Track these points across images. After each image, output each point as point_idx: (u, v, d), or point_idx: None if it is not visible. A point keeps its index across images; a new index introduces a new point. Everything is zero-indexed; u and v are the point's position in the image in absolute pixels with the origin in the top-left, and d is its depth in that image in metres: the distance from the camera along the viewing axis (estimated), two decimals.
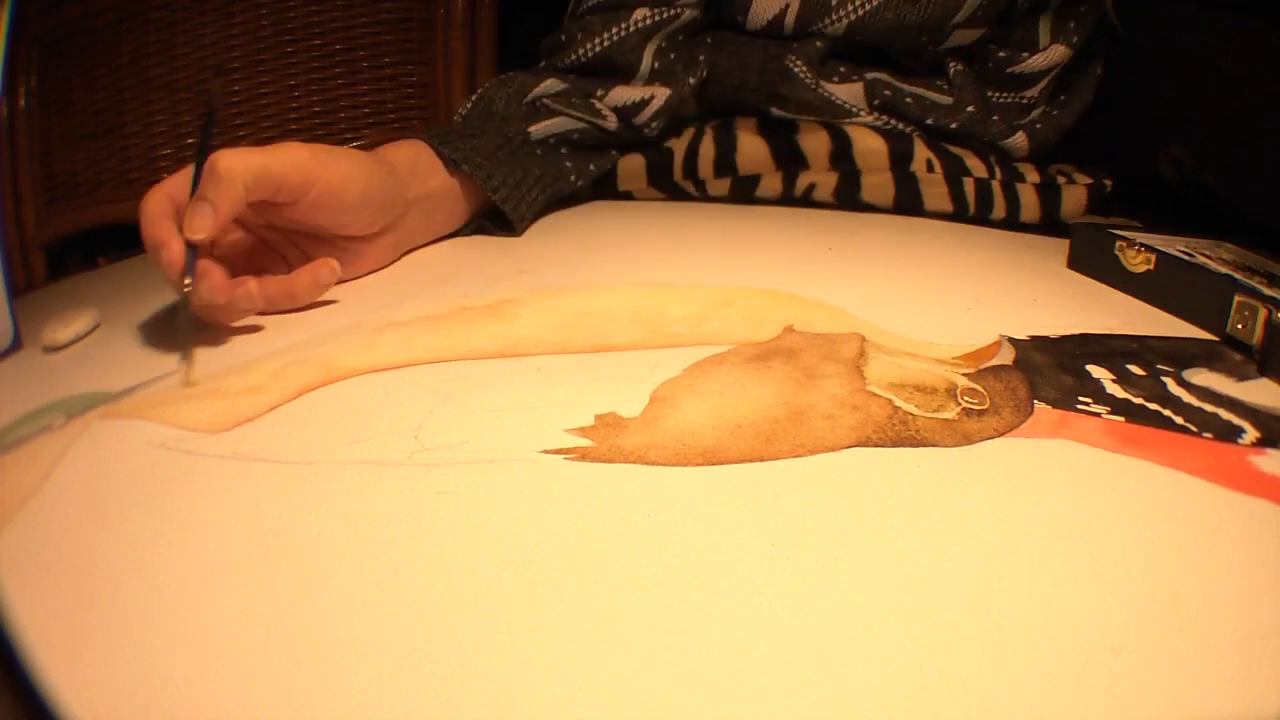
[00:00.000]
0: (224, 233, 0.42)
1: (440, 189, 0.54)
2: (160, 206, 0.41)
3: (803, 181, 0.65)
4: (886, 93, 0.63)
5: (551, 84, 0.61)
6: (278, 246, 0.48)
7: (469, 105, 0.62)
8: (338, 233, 0.48)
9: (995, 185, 0.63)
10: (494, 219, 0.58)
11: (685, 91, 0.63)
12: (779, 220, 0.63)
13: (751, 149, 0.65)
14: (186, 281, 0.39)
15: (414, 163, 0.53)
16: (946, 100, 0.63)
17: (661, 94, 0.62)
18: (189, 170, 0.42)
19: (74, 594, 0.25)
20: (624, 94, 0.62)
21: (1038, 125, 0.65)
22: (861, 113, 0.64)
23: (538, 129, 0.60)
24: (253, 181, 0.41)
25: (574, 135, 0.62)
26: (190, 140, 0.80)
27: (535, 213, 0.59)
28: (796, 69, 0.63)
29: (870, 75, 0.64)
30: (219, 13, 0.79)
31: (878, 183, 0.64)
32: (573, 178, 0.62)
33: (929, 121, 0.63)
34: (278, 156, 0.43)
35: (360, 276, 0.50)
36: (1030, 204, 0.62)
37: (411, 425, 0.33)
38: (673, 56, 0.63)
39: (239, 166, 0.41)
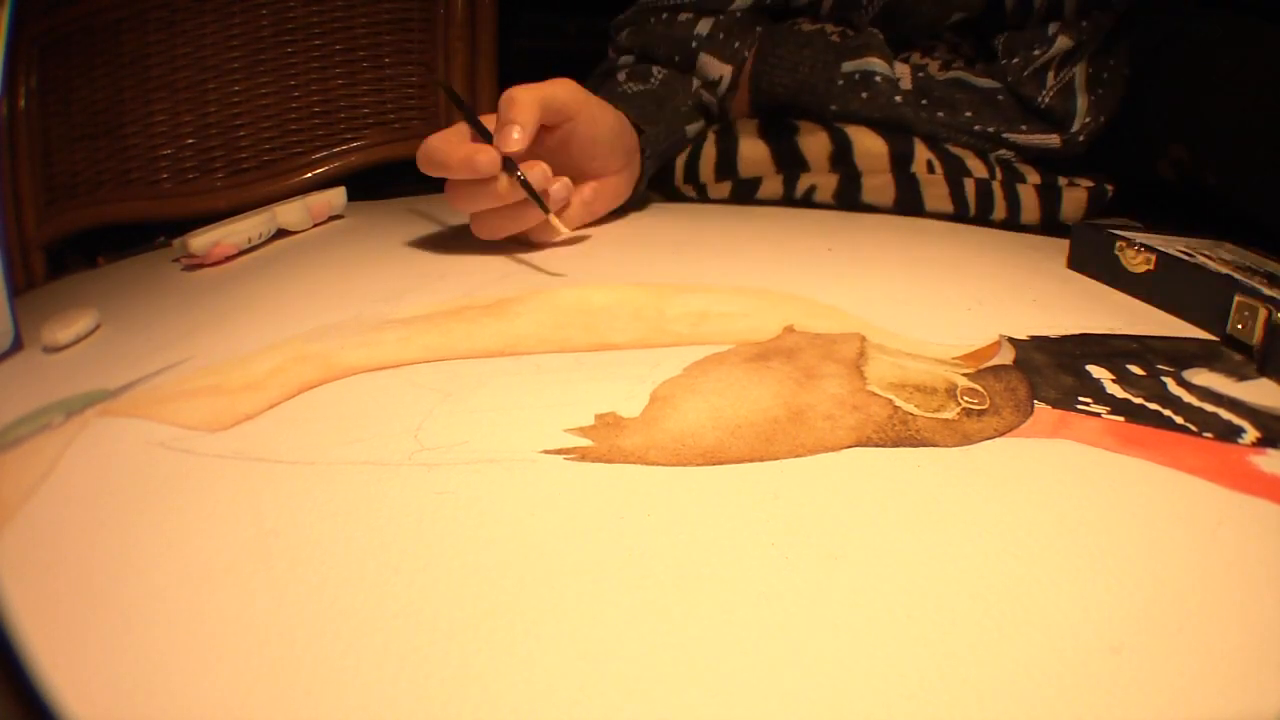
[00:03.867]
0: (530, 139, 0.50)
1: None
2: (446, 140, 0.51)
3: (803, 184, 0.65)
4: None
5: (696, 81, 0.68)
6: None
7: (639, 83, 0.67)
8: (588, 164, 0.56)
9: (996, 186, 0.63)
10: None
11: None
12: (779, 220, 0.63)
13: (752, 152, 0.65)
14: (519, 174, 0.50)
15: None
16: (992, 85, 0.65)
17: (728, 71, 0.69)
18: (449, 130, 0.52)
19: (74, 593, 0.25)
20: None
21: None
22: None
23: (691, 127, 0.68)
24: (544, 104, 0.51)
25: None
26: (191, 140, 0.80)
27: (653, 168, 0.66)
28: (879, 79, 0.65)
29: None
30: (219, 13, 0.79)
31: (878, 184, 0.64)
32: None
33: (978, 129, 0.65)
34: (557, 86, 0.53)
35: (600, 219, 0.59)
36: (1030, 205, 0.62)
37: (411, 425, 0.33)
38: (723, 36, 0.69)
39: (532, 93, 0.51)
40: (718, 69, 0.68)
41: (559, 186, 0.53)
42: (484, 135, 0.51)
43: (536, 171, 0.51)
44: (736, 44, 0.68)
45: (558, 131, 0.54)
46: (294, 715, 0.21)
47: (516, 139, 0.49)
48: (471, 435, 0.32)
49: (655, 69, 0.68)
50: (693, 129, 0.68)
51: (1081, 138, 0.63)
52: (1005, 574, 0.25)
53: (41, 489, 0.30)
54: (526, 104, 0.50)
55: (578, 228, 0.57)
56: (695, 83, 0.68)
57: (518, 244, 0.56)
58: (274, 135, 0.82)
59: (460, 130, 0.53)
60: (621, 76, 0.67)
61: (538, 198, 0.51)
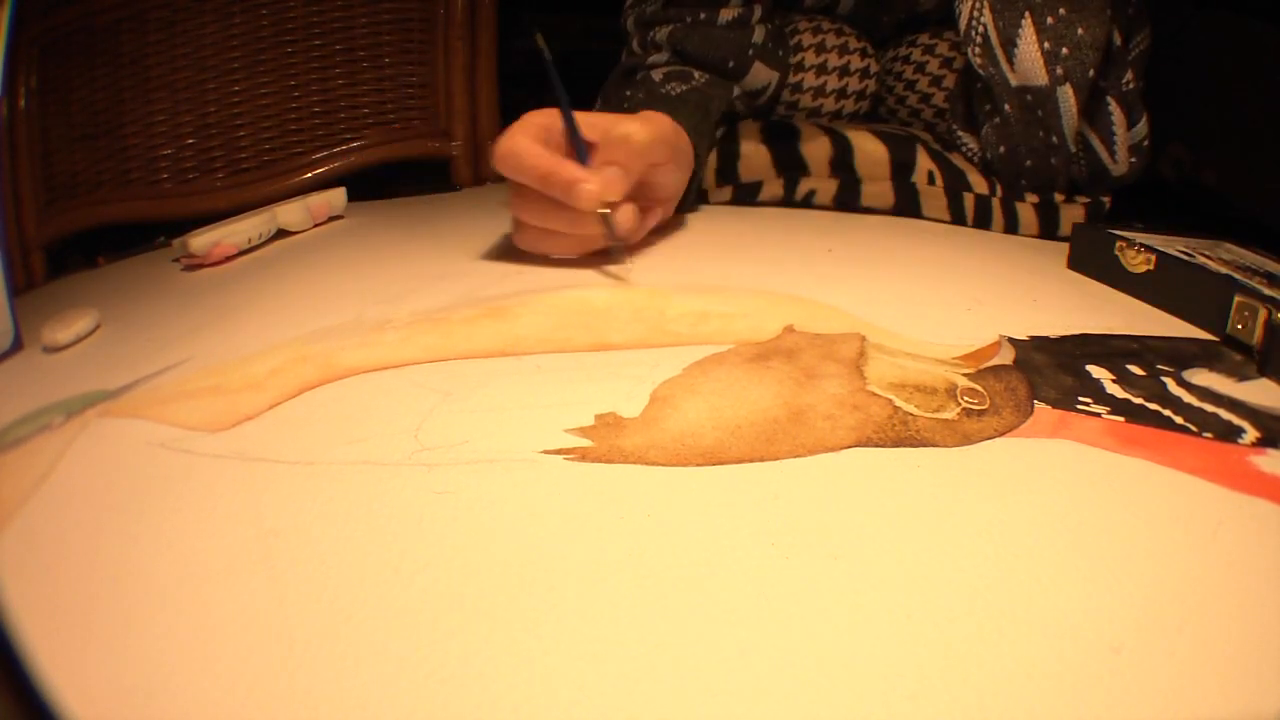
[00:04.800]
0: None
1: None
2: (540, 150, 0.48)
3: (803, 187, 0.65)
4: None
5: (736, 89, 0.68)
6: None
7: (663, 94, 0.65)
8: (658, 195, 0.55)
9: (995, 202, 0.62)
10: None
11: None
12: (779, 221, 0.63)
13: (753, 155, 0.65)
14: (605, 209, 0.48)
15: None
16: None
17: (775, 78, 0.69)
18: (527, 122, 0.49)
19: (74, 594, 0.25)
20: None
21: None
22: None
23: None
24: (650, 149, 0.50)
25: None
26: (191, 140, 0.80)
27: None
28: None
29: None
30: (219, 13, 0.79)
31: (877, 191, 0.64)
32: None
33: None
34: (659, 126, 0.52)
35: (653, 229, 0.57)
36: (1029, 222, 0.62)
37: (411, 425, 0.33)
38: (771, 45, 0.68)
39: (644, 137, 0.50)
40: (766, 76, 0.68)
41: (637, 229, 0.52)
42: (576, 144, 0.49)
43: (624, 214, 0.49)
44: (781, 51, 0.69)
45: (654, 167, 0.52)
46: (294, 715, 0.21)
47: (620, 190, 0.48)
48: (471, 435, 0.32)
49: (696, 73, 0.66)
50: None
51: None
52: (1005, 574, 0.25)
53: (42, 489, 0.30)
54: (639, 152, 0.49)
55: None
56: (735, 90, 0.68)
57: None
58: (274, 135, 0.82)
59: (547, 128, 0.50)
60: (658, 77, 0.65)
61: (618, 244, 0.49)
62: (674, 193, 0.57)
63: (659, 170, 0.53)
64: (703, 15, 0.66)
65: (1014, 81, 0.58)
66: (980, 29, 0.58)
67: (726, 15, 0.66)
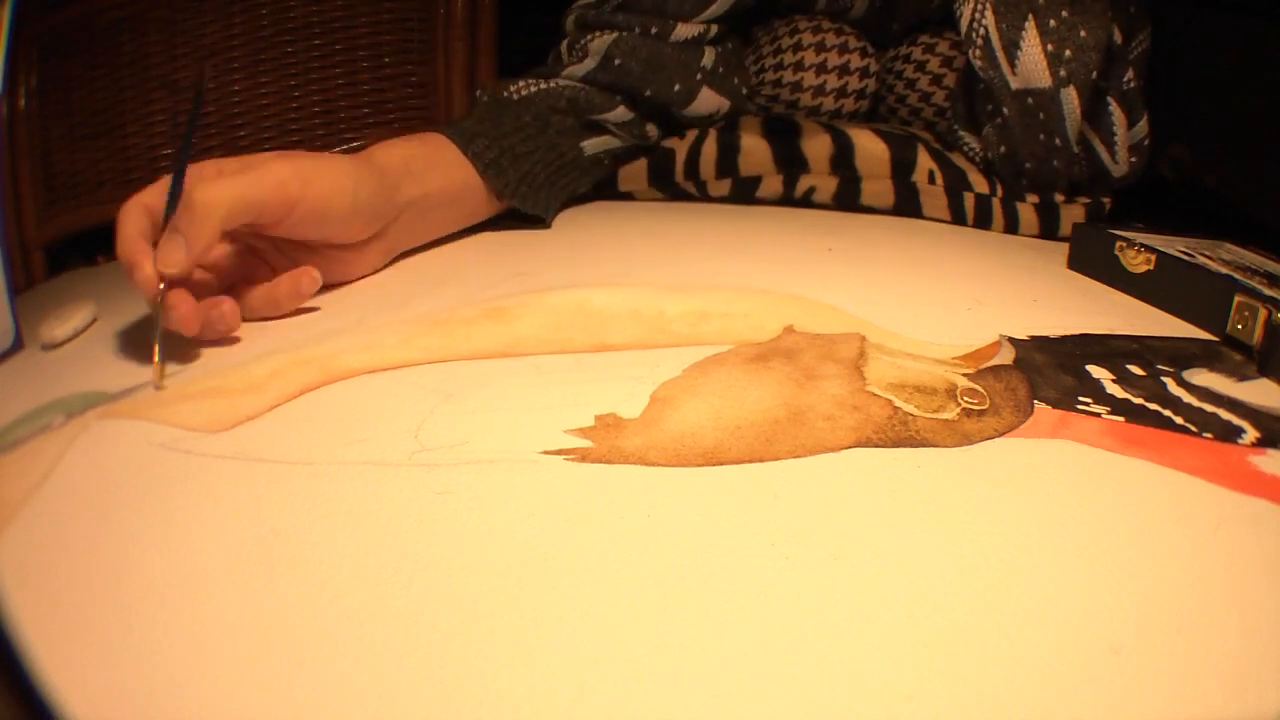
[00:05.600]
0: (202, 257, 0.40)
1: (440, 188, 0.53)
2: (136, 223, 0.40)
3: (803, 184, 0.65)
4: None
5: (621, 112, 0.63)
6: (264, 254, 0.47)
7: (504, 98, 0.61)
8: (325, 242, 0.47)
9: (995, 202, 0.62)
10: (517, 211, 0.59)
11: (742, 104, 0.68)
12: (779, 220, 0.63)
13: (754, 150, 0.65)
14: (160, 301, 0.39)
15: (408, 163, 0.51)
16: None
17: (725, 106, 0.66)
18: (167, 181, 0.41)
19: (74, 594, 0.25)
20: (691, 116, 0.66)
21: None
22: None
23: (590, 145, 0.62)
24: (230, 214, 0.40)
25: (618, 151, 0.65)
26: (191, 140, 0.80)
27: (560, 203, 0.61)
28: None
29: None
30: (219, 13, 0.79)
31: (878, 189, 0.64)
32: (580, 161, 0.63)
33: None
34: (257, 182, 0.41)
35: (351, 282, 0.49)
36: (1029, 222, 0.62)
37: (411, 425, 0.33)
38: (722, 70, 0.66)
39: (215, 199, 0.39)
40: (715, 103, 0.65)
41: (215, 317, 0.41)
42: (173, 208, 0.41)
43: (177, 314, 0.39)
44: (736, 80, 0.67)
45: (265, 227, 0.44)
46: (294, 715, 0.21)
47: (177, 260, 0.38)
48: (472, 436, 0.32)
49: (577, 92, 0.61)
50: (588, 144, 0.62)
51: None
52: (1005, 574, 0.25)
53: (42, 490, 0.30)
54: (206, 215, 0.39)
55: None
56: (619, 112, 0.63)
57: (516, 247, 0.56)
58: (274, 135, 0.82)
59: (160, 195, 0.41)
60: (533, 86, 0.61)
61: (157, 347, 0.38)
62: (348, 235, 0.47)
63: (283, 228, 0.44)
64: (654, 30, 0.61)
65: (1015, 85, 0.58)
66: (981, 31, 0.58)
67: (685, 32, 0.62)
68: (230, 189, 0.40)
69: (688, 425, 0.33)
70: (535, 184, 0.58)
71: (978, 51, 0.59)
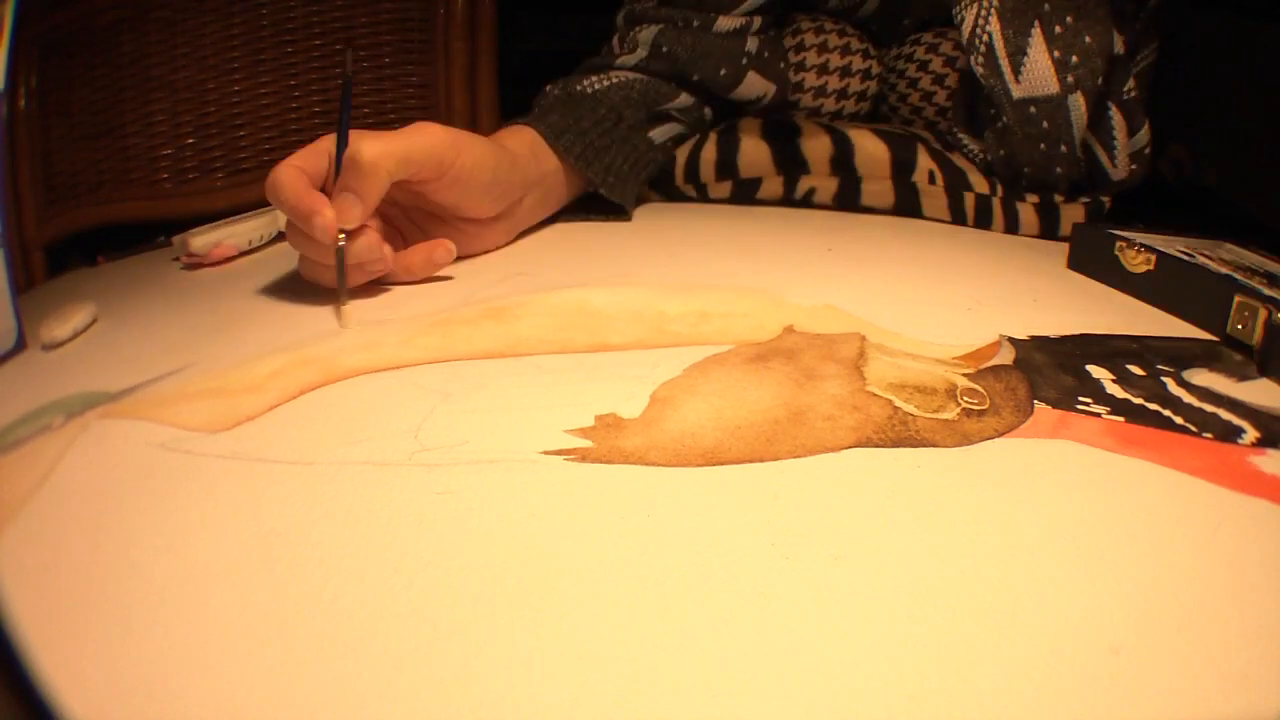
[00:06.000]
0: (373, 210, 0.45)
1: (549, 174, 0.57)
2: (298, 179, 0.44)
3: (803, 186, 0.65)
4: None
5: (684, 99, 0.66)
6: (396, 223, 0.51)
7: (576, 93, 0.63)
8: (460, 214, 0.51)
9: (995, 202, 0.62)
10: (597, 206, 0.61)
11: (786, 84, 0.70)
12: (779, 221, 0.63)
13: (753, 152, 0.65)
14: (341, 239, 0.44)
15: (533, 147, 0.56)
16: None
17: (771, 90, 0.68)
18: (316, 146, 0.46)
19: (74, 594, 0.25)
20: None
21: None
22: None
23: (656, 134, 0.66)
24: (395, 168, 0.45)
25: (679, 136, 0.68)
26: (191, 140, 0.80)
27: (637, 192, 0.63)
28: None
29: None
30: (219, 13, 0.79)
31: (878, 190, 0.64)
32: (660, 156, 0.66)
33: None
34: (417, 141, 0.46)
35: (475, 256, 0.53)
36: (1029, 222, 0.62)
37: (411, 425, 0.33)
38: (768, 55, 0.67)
39: (382, 157, 0.44)
40: (762, 87, 0.67)
41: (380, 261, 0.46)
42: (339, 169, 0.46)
43: (361, 243, 0.45)
44: (781, 64, 0.68)
45: (419, 183, 0.48)
46: (294, 715, 0.21)
47: (355, 215, 0.44)
48: (472, 436, 0.32)
49: (641, 78, 0.65)
50: (661, 132, 0.66)
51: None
52: (1005, 574, 0.25)
53: (42, 490, 0.30)
54: (371, 172, 0.44)
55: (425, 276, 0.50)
56: (682, 99, 0.66)
57: (516, 247, 0.56)
58: (274, 135, 0.82)
59: (317, 154, 0.47)
60: (596, 80, 0.64)
61: (343, 276, 0.44)
62: (480, 211, 0.52)
63: (435, 186, 0.48)
64: (696, 22, 0.64)
65: (1017, 93, 0.58)
66: (984, 38, 0.58)
67: (726, 24, 0.65)
68: (393, 146, 0.45)
69: (688, 425, 0.33)
70: (621, 175, 0.60)
71: (980, 59, 0.59)
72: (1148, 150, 0.60)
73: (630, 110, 0.63)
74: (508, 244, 0.56)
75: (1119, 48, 0.57)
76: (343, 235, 0.44)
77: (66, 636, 0.23)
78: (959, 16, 0.60)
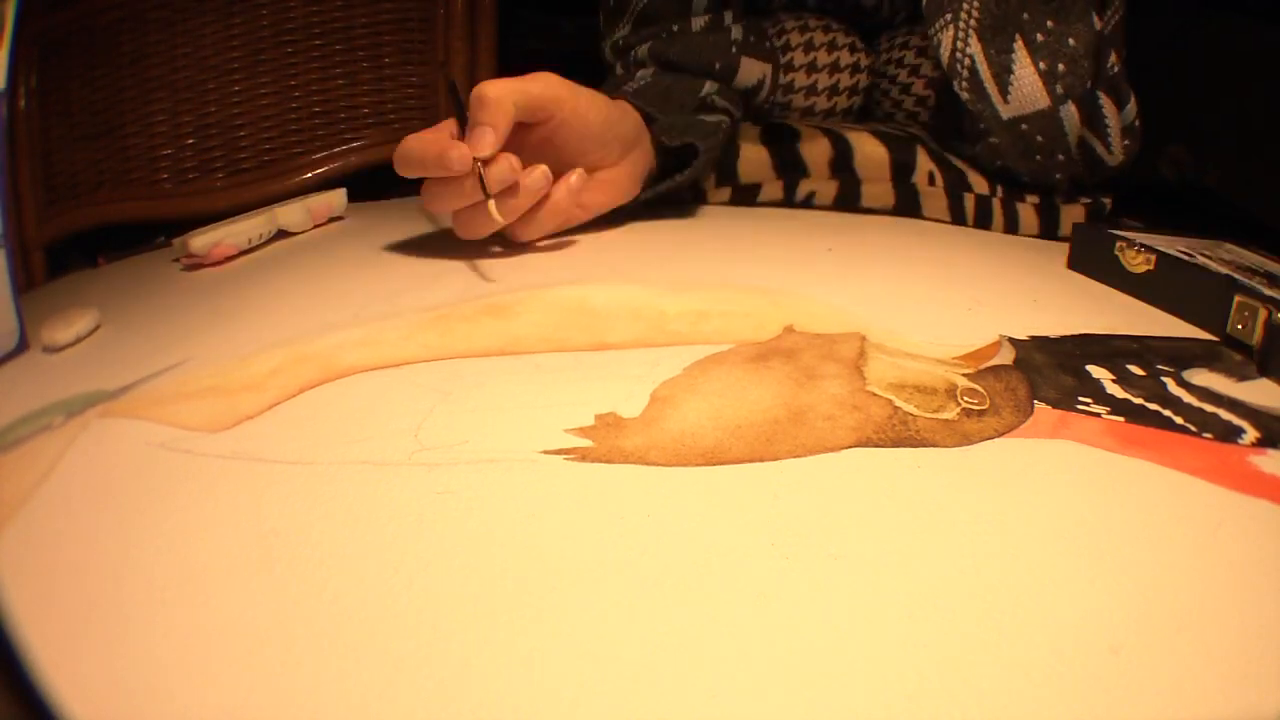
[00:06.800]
0: (504, 140, 0.48)
1: (646, 135, 0.59)
2: (423, 136, 0.49)
3: (803, 189, 0.65)
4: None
5: (710, 85, 0.66)
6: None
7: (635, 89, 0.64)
8: (581, 159, 0.54)
9: (996, 203, 0.62)
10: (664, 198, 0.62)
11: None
12: (779, 221, 0.63)
13: (752, 157, 0.65)
14: (477, 164, 0.48)
15: (626, 108, 0.58)
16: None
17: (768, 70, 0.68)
18: (434, 127, 0.51)
19: (74, 594, 0.25)
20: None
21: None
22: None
23: (710, 118, 0.65)
24: (520, 100, 0.49)
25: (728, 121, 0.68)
26: (191, 140, 0.80)
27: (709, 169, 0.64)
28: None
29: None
30: (219, 13, 0.79)
31: (878, 192, 0.64)
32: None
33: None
34: (533, 80, 0.50)
35: (606, 210, 0.57)
36: (1030, 223, 0.62)
37: (411, 424, 0.33)
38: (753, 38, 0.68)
39: (504, 91, 0.48)
40: (759, 70, 0.67)
41: (537, 176, 0.50)
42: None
43: (502, 165, 0.49)
44: (767, 43, 0.68)
45: (539, 128, 0.52)
46: (294, 715, 0.21)
47: (489, 142, 0.47)
48: (471, 435, 0.32)
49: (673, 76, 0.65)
50: (711, 120, 0.66)
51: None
52: (1005, 574, 0.25)
53: (42, 489, 0.30)
54: (498, 104, 0.48)
55: (565, 222, 0.55)
56: (708, 86, 0.66)
57: (508, 244, 0.56)
58: (274, 135, 0.82)
59: (442, 129, 0.51)
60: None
61: (483, 182, 0.49)
62: (603, 160, 0.55)
63: (554, 129, 0.52)
64: (675, 27, 0.65)
65: (1006, 114, 0.57)
66: (966, 62, 0.57)
67: (697, 24, 0.65)
68: (513, 84, 0.49)
69: (688, 425, 0.33)
70: (703, 134, 0.60)
71: (963, 83, 0.58)
72: (1138, 123, 0.60)
73: (675, 100, 0.64)
74: (629, 200, 0.58)
75: (1096, 24, 0.57)
76: (478, 163, 0.48)
77: (66, 636, 0.23)
78: (935, 39, 0.59)
